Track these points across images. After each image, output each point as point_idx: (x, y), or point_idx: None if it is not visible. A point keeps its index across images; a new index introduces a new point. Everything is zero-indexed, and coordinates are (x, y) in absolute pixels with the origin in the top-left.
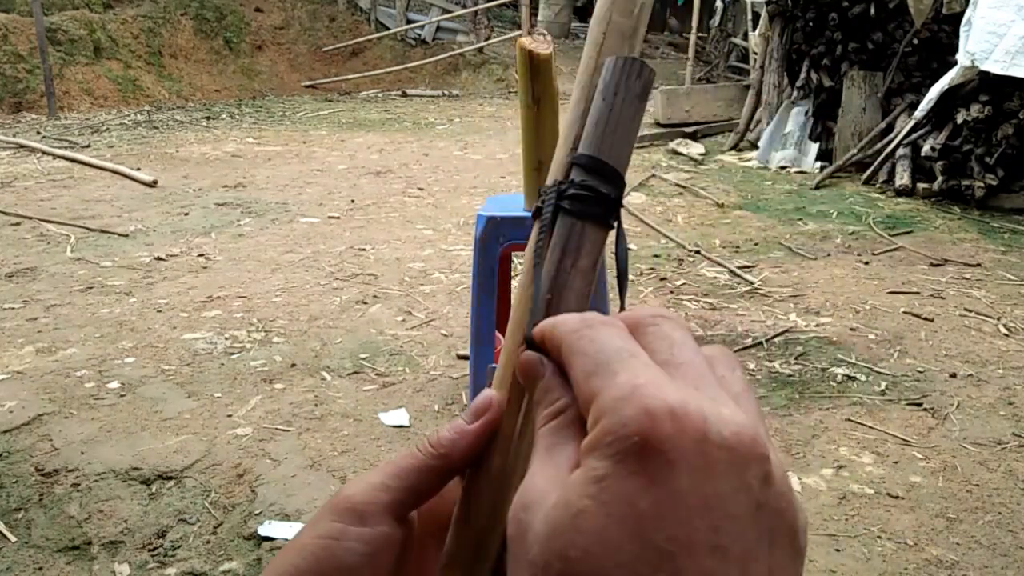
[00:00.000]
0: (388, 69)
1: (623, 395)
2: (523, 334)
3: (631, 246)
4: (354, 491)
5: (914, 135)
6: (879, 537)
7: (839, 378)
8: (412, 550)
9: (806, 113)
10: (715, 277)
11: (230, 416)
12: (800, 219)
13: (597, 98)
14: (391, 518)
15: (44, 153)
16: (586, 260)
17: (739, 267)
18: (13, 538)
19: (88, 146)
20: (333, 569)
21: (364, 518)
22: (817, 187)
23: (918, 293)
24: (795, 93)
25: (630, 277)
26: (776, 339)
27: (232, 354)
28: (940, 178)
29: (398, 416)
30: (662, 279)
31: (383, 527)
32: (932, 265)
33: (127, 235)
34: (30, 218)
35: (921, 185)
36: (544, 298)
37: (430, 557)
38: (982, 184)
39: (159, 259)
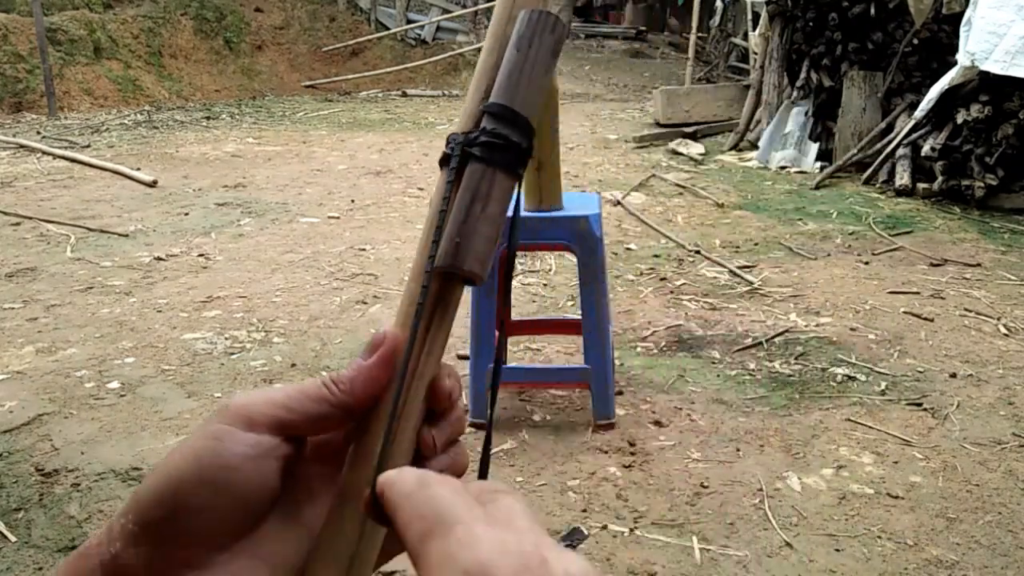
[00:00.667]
0: (388, 69)
1: (456, 552)
2: (424, 277)
3: (631, 246)
4: (250, 401)
5: (914, 135)
6: (879, 537)
7: (839, 378)
8: (302, 468)
9: (806, 113)
10: (715, 277)
11: None
12: (800, 219)
13: (510, 49)
14: (282, 433)
15: (44, 153)
16: (495, 207)
17: (739, 267)
18: (13, 538)
19: (88, 146)
20: (215, 467)
21: (254, 425)
22: (817, 187)
23: (918, 293)
24: (795, 93)
25: (630, 277)
26: (776, 339)
27: (232, 354)
28: (940, 178)
29: None
30: (662, 279)
31: (271, 437)
32: (932, 265)
33: (127, 235)
34: (30, 218)
35: (921, 185)
36: (453, 242)
37: (321, 477)
38: (982, 184)
39: (159, 259)
